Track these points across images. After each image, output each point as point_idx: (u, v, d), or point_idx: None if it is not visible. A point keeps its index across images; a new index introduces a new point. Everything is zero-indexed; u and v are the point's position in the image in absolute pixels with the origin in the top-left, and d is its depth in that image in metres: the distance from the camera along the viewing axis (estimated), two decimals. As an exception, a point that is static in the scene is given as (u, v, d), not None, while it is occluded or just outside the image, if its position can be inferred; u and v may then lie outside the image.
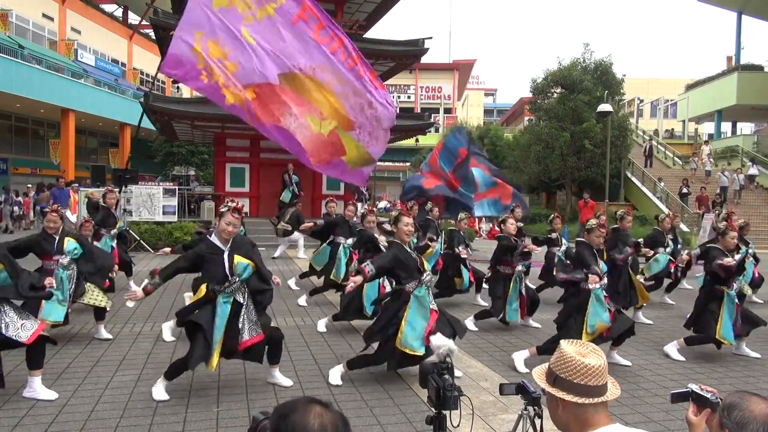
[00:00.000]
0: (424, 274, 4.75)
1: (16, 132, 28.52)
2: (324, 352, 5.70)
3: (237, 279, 4.33)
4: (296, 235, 12.79)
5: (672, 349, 5.96)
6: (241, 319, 4.34)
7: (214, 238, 4.44)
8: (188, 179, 23.81)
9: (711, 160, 24.58)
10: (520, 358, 5.44)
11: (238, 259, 4.36)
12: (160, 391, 4.36)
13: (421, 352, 4.52)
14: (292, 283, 9.44)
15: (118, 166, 29.68)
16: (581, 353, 1.69)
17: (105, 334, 6.16)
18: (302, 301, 8.25)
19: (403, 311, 4.64)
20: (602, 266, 5.38)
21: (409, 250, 4.84)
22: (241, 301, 4.38)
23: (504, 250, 6.89)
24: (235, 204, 4.42)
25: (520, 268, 6.81)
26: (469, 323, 6.76)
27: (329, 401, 1.32)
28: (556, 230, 8.58)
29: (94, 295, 6.02)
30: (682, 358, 5.84)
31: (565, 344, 1.75)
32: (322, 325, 6.77)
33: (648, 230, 11.63)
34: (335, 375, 4.89)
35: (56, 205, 5.99)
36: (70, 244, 5.72)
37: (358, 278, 4.54)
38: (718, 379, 5.17)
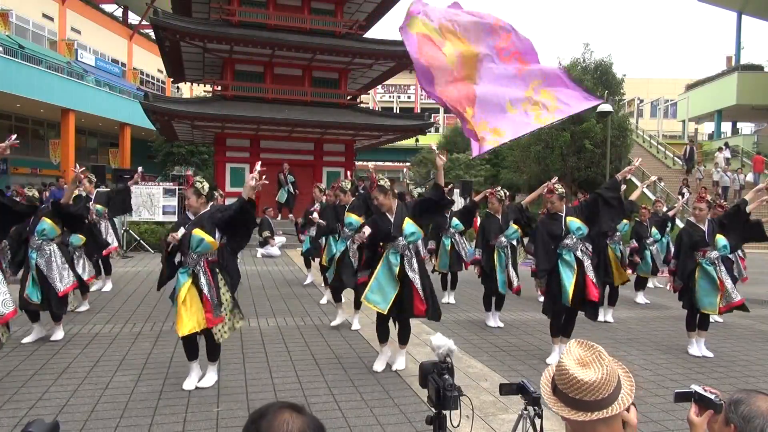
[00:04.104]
0: (398, 239, 4.90)
1: (16, 132, 28.24)
2: (324, 352, 5.69)
3: (191, 252, 4.40)
4: (269, 249, 13.26)
5: (693, 347, 6.03)
6: (205, 295, 4.36)
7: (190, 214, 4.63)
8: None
9: (720, 170, 22.85)
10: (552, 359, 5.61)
11: (195, 232, 4.39)
12: (213, 375, 4.61)
13: (384, 309, 4.80)
14: (322, 289, 8.86)
15: (119, 166, 29.67)
16: (582, 362, 1.53)
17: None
18: (324, 300, 8.28)
19: (375, 268, 4.93)
20: (571, 226, 5.47)
21: (389, 216, 5.02)
22: (200, 277, 4.39)
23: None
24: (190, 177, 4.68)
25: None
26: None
27: (304, 404, 1.30)
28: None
29: None
30: (709, 354, 5.94)
31: (568, 348, 1.57)
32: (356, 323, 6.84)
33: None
34: (400, 362, 5.07)
35: None
36: None
37: (366, 231, 4.91)
38: (718, 379, 5.16)
